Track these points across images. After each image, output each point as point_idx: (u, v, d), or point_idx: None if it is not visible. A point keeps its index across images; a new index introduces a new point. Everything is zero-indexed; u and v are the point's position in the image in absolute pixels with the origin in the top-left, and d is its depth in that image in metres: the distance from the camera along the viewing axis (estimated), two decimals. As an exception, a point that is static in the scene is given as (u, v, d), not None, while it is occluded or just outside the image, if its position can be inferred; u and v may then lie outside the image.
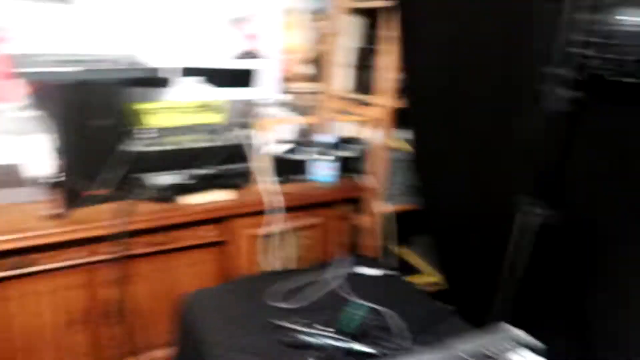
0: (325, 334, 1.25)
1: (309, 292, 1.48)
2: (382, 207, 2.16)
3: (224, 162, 1.88)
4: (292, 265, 2.01)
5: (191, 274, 1.86)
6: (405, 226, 2.26)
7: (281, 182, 1.95)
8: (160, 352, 1.86)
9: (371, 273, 1.61)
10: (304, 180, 2.07)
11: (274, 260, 1.96)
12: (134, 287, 1.75)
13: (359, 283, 1.57)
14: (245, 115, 2.19)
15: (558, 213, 1.52)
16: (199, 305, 1.47)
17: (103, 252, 1.65)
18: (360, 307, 1.39)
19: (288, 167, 2.02)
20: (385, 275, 1.69)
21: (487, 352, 1.08)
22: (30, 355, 1.66)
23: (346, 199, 2.10)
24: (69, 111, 1.62)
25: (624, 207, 1.37)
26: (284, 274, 1.72)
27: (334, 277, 1.61)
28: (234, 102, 2.16)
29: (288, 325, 1.30)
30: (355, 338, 1.24)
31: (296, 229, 1.99)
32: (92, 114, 1.65)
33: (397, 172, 2.18)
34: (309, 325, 1.28)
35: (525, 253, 1.49)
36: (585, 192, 1.48)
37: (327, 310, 1.41)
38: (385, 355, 1.20)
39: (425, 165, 2.10)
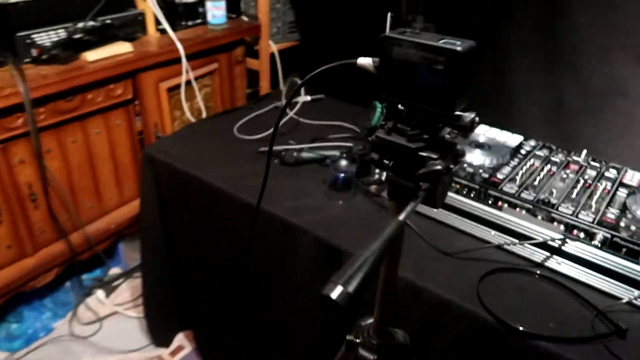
0: (318, 146, 1.36)
1: (271, 123, 1.52)
2: (270, 46, 2.19)
3: (107, 11, 1.66)
4: (202, 115, 1.98)
5: (106, 139, 1.72)
6: (289, 63, 2.35)
7: (174, 30, 1.82)
8: (94, 226, 1.76)
9: (304, 99, 1.70)
10: (195, 25, 1.95)
11: (186, 112, 1.90)
12: (50, 164, 1.56)
13: (308, 107, 1.66)
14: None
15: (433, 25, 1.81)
16: (165, 153, 1.41)
17: (10, 128, 1.41)
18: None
19: (177, 12, 1.87)
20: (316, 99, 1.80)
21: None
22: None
23: (238, 41, 2.07)
24: None
25: None
26: (229, 113, 1.71)
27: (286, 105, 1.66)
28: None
29: (277, 149, 1.36)
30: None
31: (197, 78, 1.93)
32: None
33: (276, 10, 2.19)
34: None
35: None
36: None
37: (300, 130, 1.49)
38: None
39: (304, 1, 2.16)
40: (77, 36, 1.58)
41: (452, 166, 0.50)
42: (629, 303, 0.91)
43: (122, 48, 1.65)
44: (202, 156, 1.40)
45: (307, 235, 1.12)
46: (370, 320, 0.68)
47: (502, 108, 1.73)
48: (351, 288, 0.37)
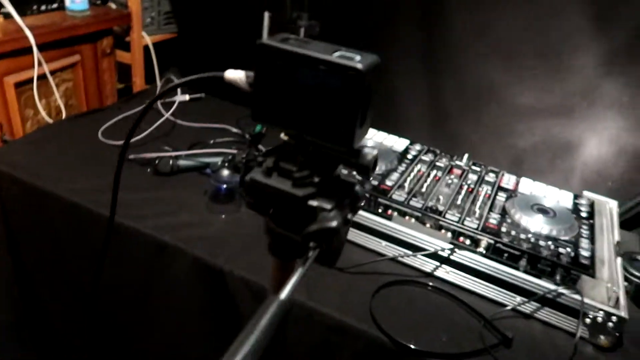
0: (197, 152, 1.22)
1: (144, 126, 1.33)
2: (143, 38, 1.98)
3: None
4: (62, 115, 1.72)
5: None
6: (166, 57, 2.16)
7: (21, 14, 1.55)
8: None
9: (181, 99, 1.54)
10: (50, 10, 1.68)
11: (41, 111, 1.63)
12: None
13: (187, 107, 1.50)
14: None
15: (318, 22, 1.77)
16: (9, 163, 1.18)
17: None
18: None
19: (26, -7, 1.60)
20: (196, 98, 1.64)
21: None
22: None
23: (104, 31, 1.84)
24: None
25: None
26: (93, 114, 1.49)
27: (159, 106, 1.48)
28: None
29: (150, 156, 1.19)
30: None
31: (54, 72, 1.67)
32: None
33: (150, -2, 1.99)
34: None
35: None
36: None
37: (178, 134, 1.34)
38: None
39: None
40: None
41: (350, 217, 0.41)
42: (513, 309, 0.93)
43: (-50, 34, 1.36)
44: (58, 166, 1.19)
45: (185, 255, 0.99)
46: None
47: (386, 111, 1.73)
48: None
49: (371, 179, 1.08)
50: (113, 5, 1.91)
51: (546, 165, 1.67)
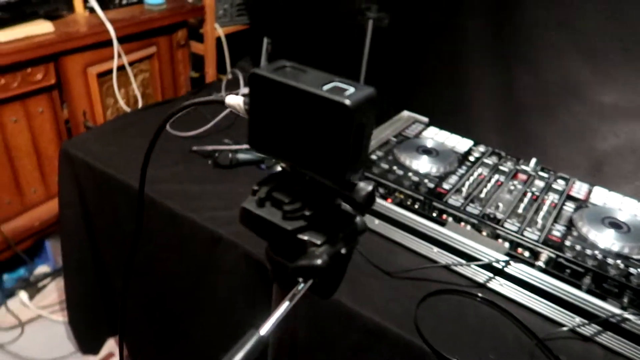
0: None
1: (209, 118, 1.39)
2: (215, 30, 2.05)
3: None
4: (138, 104, 1.83)
5: (25, 129, 1.55)
6: (238, 48, 2.21)
7: (104, 9, 1.65)
8: (13, 224, 1.60)
9: (244, 92, 1.58)
10: (130, 4, 1.78)
11: (120, 100, 1.75)
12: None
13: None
14: None
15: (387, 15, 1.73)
16: (85, 150, 1.27)
17: None
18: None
19: (109, -11, 1.70)
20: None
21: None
22: None
23: (180, 23, 1.92)
24: None
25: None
26: (167, 103, 1.57)
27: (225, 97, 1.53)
28: None
29: (211, 149, 1.24)
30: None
31: (133, 63, 1.77)
32: None
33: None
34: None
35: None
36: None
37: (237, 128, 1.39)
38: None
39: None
40: (-11, 12, 1.40)
41: (344, 251, 0.40)
42: (571, 330, 0.87)
43: (40, 28, 1.48)
44: (127, 155, 1.26)
45: (236, 248, 1.02)
46: None
47: (455, 109, 1.67)
48: None
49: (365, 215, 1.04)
50: (188, -2, 1.99)
51: (630, 171, 1.53)
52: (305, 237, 0.40)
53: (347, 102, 0.37)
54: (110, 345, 1.64)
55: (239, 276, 1.02)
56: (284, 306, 0.37)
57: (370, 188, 0.41)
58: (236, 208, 1.14)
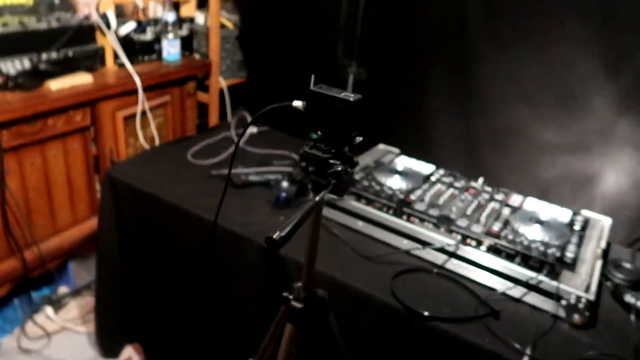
0: (263, 170, 1.57)
1: (221, 150, 1.71)
2: (219, 82, 2.40)
3: (70, 43, 1.81)
4: (155, 142, 2.14)
5: (62, 163, 1.84)
6: (236, 98, 2.57)
7: (132, 63, 1.99)
8: (47, 245, 1.85)
9: (251, 131, 1.92)
10: (150, 61, 2.13)
11: (140, 139, 2.05)
12: (9, 183, 1.67)
13: (255, 137, 1.89)
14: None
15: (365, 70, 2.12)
16: (125, 174, 1.57)
17: (-25, 148, 1.52)
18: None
19: (135, 48, 2.05)
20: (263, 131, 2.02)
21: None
22: None
23: (190, 76, 2.27)
24: None
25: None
26: (178, 142, 1.88)
27: (235, 135, 1.86)
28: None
29: (226, 172, 1.55)
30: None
31: (152, 108, 2.10)
32: None
33: (226, 50, 2.42)
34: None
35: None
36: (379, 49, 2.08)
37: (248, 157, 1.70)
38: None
39: (252, 43, 2.41)
40: (42, 66, 1.72)
41: (349, 169, 0.76)
42: (503, 293, 1.18)
43: (82, 78, 1.80)
44: (159, 178, 1.57)
45: (253, 243, 1.31)
46: (300, 284, 0.91)
47: (423, 143, 2.02)
48: (284, 233, 0.62)
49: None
50: (197, 56, 2.35)
51: (569, 196, 1.87)
52: (332, 161, 0.77)
53: (351, 99, 0.75)
54: (129, 351, 1.86)
55: (256, 266, 1.31)
56: (323, 192, 0.69)
57: (360, 138, 0.76)
58: (249, 215, 1.44)
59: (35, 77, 1.70)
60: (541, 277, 1.14)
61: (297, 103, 0.79)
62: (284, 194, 1.42)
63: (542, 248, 1.23)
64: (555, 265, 1.18)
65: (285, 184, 1.43)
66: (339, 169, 0.74)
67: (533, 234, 1.29)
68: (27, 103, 1.63)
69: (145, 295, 1.67)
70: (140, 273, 1.64)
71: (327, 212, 1.41)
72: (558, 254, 1.21)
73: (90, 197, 1.97)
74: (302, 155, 0.76)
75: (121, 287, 1.69)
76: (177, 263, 1.50)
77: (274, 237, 0.60)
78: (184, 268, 1.49)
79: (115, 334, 1.80)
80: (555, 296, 1.11)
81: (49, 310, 1.98)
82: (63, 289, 2.10)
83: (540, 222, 1.33)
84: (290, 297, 0.89)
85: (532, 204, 1.46)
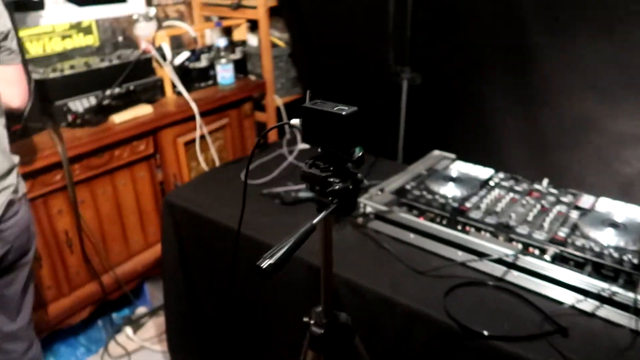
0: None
1: (274, 168, 1.74)
2: (275, 100, 2.44)
3: (130, 79, 1.93)
4: (215, 164, 2.21)
5: (131, 190, 1.95)
6: (293, 115, 2.59)
7: (188, 91, 2.08)
8: (122, 269, 1.97)
9: (302, 147, 1.92)
10: (207, 86, 2.22)
11: (201, 162, 2.13)
12: (84, 213, 1.80)
13: (306, 153, 1.89)
14: (118, 33, 2.20)
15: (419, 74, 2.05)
16: (182, 199, 1.63)
17: (50, 183, 1.66)
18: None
19: (191, 76, 2.14)
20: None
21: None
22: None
23: (246, 98, 2.32)
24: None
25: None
26: (237, 162, 1.93)
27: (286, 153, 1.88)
28: (102, 20, 2.15)
29: (277, 191, 1.57)
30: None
31: (211, 132, 2.17)
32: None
33: (280, 68, 2.45)
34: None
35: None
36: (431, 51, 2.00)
37: (296, 176, 1.70)
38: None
39: (304, 59, 2.43)
40: (106, 102, 1.84)
41: (351, 187, 0.73)
42: (572, 307, 1.06)
43: (144, 110, 1.91)
44: (214, 200, 1.60)
45: (302, 262, 1.30)
46: (320, 308, 0.89)
47: (480, 147, 1.91)
48: (273, 261, 0.62)
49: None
50: (252, 77, 2.41)
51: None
52: (331, 179, 0.74)
53: (344, 113, 0.72)
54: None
55: (304, 285, 1.30)
56: (323, 214, 0.65)
57: (360, 153, 0.72)
58: (300, 233, 1.41)
59: (100, 113, 1.83)
60: (616, 288, 1.01)
61: (295, 121, 0.77)
62: (331, 210, 1.40)
63: (616, 254, 1.10)
64: (633, 273, 1.04)
65: (333, 199, 1.41)
66: (337, 187, 0.70)
67: (606, 238, 1.16)
68: (94, 137, 1.75)
69: (210, 318, 1.72)
70: (203, 295, 1.69)
71: (377, 225, 1.36)
72: (635, 261, 1.08)
73: (159, 221, 2.07)
74: (301, 175, 0.74)
75: (187, 309, 1.74)
76: (234, 285, 1.52)
77: (263, 266, 0.58)
78: (240, 289, 1.51)
79: (187, 355, 1.87)
80: (632, 309, 0.98)
81: (128, 330, 2.09)
82: (141, 310, 2.22)
83: (615, 225, 1.19)
84: (311, 322, 0.85)
85: (606, 205, 1.32)
